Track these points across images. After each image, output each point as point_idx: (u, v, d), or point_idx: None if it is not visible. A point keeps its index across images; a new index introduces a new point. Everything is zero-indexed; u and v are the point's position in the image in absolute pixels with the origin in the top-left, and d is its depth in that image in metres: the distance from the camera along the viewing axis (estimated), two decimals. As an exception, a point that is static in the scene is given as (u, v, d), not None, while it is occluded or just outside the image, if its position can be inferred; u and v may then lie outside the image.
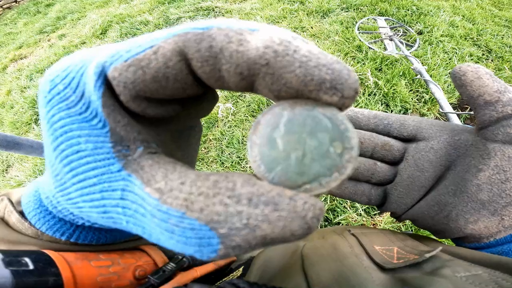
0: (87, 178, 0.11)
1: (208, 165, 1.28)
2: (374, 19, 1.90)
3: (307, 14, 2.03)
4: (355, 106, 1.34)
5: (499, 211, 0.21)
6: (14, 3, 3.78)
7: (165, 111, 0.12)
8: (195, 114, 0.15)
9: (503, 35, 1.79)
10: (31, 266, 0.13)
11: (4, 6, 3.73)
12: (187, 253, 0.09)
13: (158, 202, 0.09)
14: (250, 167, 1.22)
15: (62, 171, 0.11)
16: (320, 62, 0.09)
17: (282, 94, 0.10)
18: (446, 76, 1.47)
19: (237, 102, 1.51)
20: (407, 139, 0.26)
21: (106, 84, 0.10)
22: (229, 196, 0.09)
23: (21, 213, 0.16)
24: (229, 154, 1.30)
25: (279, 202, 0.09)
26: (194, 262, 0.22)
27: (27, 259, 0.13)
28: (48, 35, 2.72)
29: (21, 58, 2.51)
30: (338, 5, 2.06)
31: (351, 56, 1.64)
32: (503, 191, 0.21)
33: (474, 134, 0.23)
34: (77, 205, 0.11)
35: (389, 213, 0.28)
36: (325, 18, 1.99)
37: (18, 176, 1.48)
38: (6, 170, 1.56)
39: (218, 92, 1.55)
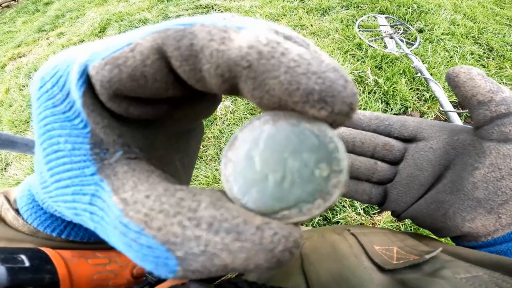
0: (62, 179, 0.10)
1: (206, 164, 1.28)
2: (375, 17, 1.90)
3: (306, 12, 2.02)
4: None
5: (495, 209, 0.21)
6: (13, 1, 3.76)
7: (151, 111, 0.11)
8: (194, 115, 0.14)
9: (505, 33, 1.78)
10: (27, 263, 0.12)
11: (3, 5, 3.71)
12: (146, 269, 0.09)
13: (121, 214, 0.09)
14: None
15: (44, 169, 0.11)
16: (310, 68, 0.08)
17: (264, 102, 0.09)
18: (447, 75, 1.47)
19: (236, 100, 1.50)
20: (408, 139, 0.27)
21: (89, 84, 0.10)
22: (190, 218, 0.08)
23: (17, 211, 0.16)
24: (228, 152, 1.30)
25: (243, 231, 0.08)
26: None
27: (23, 256, 0.13)
28: (47, 34, 2.71)
29: (19, 57, 2.50)
30: (338, 3, 2.05)
31: (351, 54, 1.64)
32: (498, 189, 0.21)
33: (472, 134, 0.23)
34: (57, 204, 0.11)
35: (389, 212, 0.28)
36: (325, 16, 1.98)
37: (16, 174, 1.48)
38: (5, 168, 1.56)
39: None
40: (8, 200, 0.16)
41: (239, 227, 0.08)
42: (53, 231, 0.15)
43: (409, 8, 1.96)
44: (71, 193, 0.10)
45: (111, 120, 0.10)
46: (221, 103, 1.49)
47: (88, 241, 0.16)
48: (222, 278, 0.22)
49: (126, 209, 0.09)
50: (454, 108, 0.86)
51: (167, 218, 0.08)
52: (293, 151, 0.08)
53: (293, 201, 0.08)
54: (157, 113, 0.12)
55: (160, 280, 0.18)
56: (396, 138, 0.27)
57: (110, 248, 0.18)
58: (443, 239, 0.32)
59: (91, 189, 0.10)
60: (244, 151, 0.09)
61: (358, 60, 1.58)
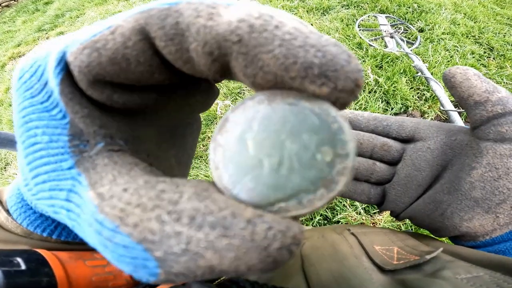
0: (39, 174, 0.10)
1: (206, 163, 1.28)
2: (375, 16, 1.89)
3: (307, 11, 2.01)
4: (354, 106, 1.33)
5: (493, 209, 0.21)
6: (13, 1, 3.76)
7: (138, 100, 0.10)
8: (189, 108, 0.13)
9: (505, 33, 1.78)
10: (23, 267, 0.12)
11: (3, 4, 3.71)
12: (125, 271, 0.08)
13: (96, 210, 0.08)
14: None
15: (23, 164, 0.10)
16: (308, 41, 0.07)
17: (258, 81, 0.08)
18: (447, 74, 1.47)
19: (236, 99, 1.50)
20: (406, 140, 0.27)
21: (68, 71, 0.09)
22: (169, 211, 0.07)
23: (9, 212, 0.15)
24: (229, 152, 1.30)
25: (230, 226, 0.07)
26: None
27: (19, 259, 0.12)
28: (46, 33, 2.71)
29: (19, 56, 2.50)
30: (338, 2, 2.05)
31: (351, 54, 1.63)
32: (496, 189, 0.21)
33: (469, 134, 0.23)
34: (39, 201, 0.10)
35: (389, 212, 0.28)
36: (325, 15, 1.98)
37: (16, 174, 1.48)
38: (5, 168, 1.56)
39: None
40: (0, 201, 0.15)
41: (226, 221, 0.07)
42: (44, 231, 0.14)
43: (409, 7, 1.96)
44: (48, 189, 0.10)
45: (92, 109, 0.10)
46: (221, 102, 1.49)
47: (81, 241, 0.16)
48: (223, 278, 0.22)
49: (102, 205, 0.08)
50: (455, 108, 0.86)
51: (144, 212, 0.07)
52: (291, 133, 0.07)
53: (291, 191, 0.07)
54: (144, 102, 0.11)
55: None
56: (394, 138, 0.27)
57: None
58: (443, 239, 0.32)
59: (67, 184, 0.09)
60: (236, 134, 0.08)
61: (358, 60, 1.58)
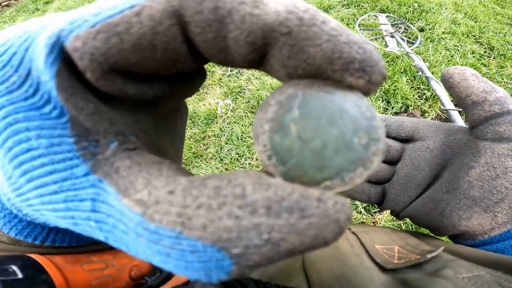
0: (45, 185, 0.08)
1: (207, 162, 1.28)
2: (375, 16, 1.89)
3: (307, 11, 2.01)
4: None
5: (491, 208, 0.21)
6: (13, 0, 3.75)
7: (149, 90, 0.09)
8: (184, 94, 0.13)
9: (506, 33, 1.77)
10: (20, 275, 0.11)
11: (3, 4, 3.70)
12: (190, 278, 0.07)
13: (142, 219, 0.07)
14: (249, 164, 1.22)
15: (14, 174, 0.09)
16: (350, 38, 0.08)
17: (298, 72, 0.08)
18: (448, 74, 1.46)
19: (236, 98, 1.50)
20: (405, 140, 0.27)
21: (64, 60, 0.08)
22: (240, 205, 0.07)
23: None
24: (228, 150, 1.29)
25: (306, 207, 0.07)
26: None
27: (14, 267, 0.12)
28: (46, 32, 2.71)
29: (19, 56, 2.50)
30: (339, 2, 2.05)
31: (351, 53, 1.63)
32: (493, 188, 0.21)
33: (468, 134, 0.23)
34: (41, 212, 0.09)
35: (389, 211, 0.29)
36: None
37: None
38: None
39: (217, 88, 1.54)
40: None
41: (300, 203, 0.07)
42: (35, 239, 0.13)
43: (410, 7, 1.95)
44: (63, 200, 0.08)
45: (98, 104, 0.08)
46: (222, 101, 1.48)
47: (77, 244, 0.15)
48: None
49: (149, 212, 0.07)
50: (455, 107, 0.86)
51: (211, 212, 0.07)
52: (331, 119, 0.08)
53: (335, 170, 0.08)
54: (155, 93, 0.10)
55: (161, 282, 0.18)
56: (394, 138, 0.27)
57: (104, 249, 0.17)
58: (443, 238, 0.32)
59: (88, 193, 0.08)
60: (279, 117, 0.08)
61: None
